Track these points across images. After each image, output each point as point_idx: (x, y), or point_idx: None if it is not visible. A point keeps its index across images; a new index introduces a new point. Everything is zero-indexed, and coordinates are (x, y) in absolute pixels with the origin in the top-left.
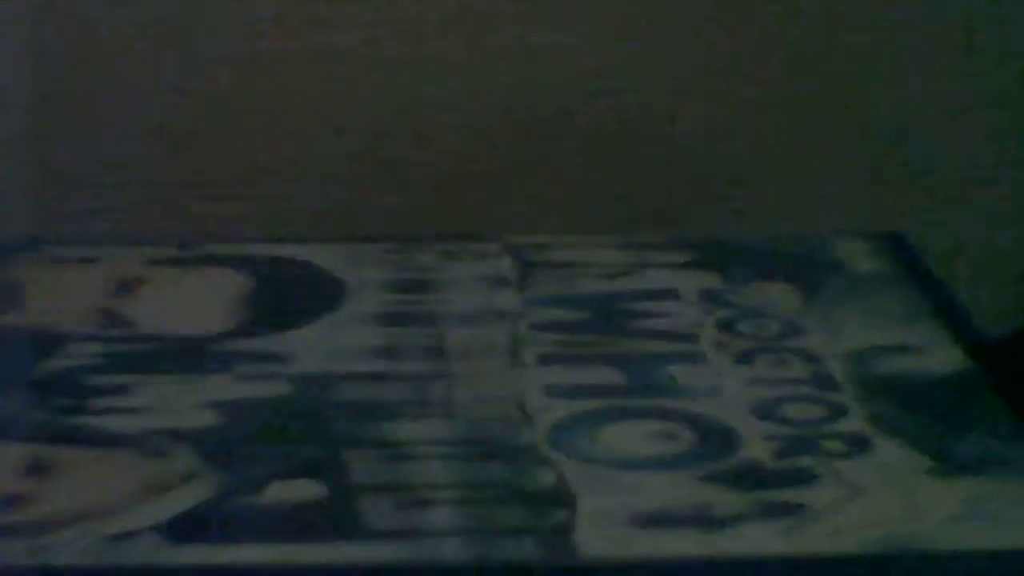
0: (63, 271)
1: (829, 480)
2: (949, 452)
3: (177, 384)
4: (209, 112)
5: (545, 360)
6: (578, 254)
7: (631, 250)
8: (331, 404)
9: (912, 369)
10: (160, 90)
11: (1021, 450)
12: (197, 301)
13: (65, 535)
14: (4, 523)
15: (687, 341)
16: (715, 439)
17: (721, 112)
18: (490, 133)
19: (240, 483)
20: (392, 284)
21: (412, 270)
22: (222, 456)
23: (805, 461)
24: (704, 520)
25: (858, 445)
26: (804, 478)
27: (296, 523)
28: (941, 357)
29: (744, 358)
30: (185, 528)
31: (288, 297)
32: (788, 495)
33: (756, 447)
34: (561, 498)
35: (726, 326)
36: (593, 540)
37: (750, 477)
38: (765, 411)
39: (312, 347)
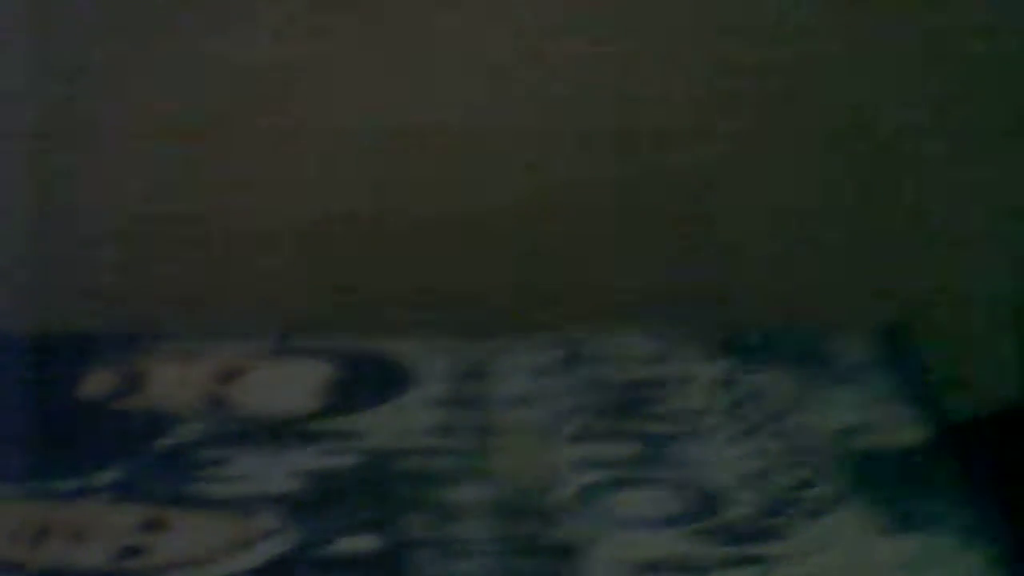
0: (176, 362)
1: (796, 536)
2: (901, 513)
3: (268, 457)
4: None
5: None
6: (613, 344)
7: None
8: (392, 474)
9: (880, 445)
10: None
11: (963, 511)
12: (288, 387)
13: None
14: (122, 569)
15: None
16: (707, 502)
17: None
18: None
19: (313, 537)
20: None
21: (470, 361)
22: (300, 515)
23: (778, 520)
24: (691, 568)
25: (825, 506)
26: (775, 534)
27: (359, 571)
28: (909, 435)
29: (743, 435)
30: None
31: (364, 384)
32: (760, 548)
33: (740, 509)
34: (578, 549)
35: (732, 407)
36: None
37: (731, 533)
38: (752, 479)
39: (381, 426)
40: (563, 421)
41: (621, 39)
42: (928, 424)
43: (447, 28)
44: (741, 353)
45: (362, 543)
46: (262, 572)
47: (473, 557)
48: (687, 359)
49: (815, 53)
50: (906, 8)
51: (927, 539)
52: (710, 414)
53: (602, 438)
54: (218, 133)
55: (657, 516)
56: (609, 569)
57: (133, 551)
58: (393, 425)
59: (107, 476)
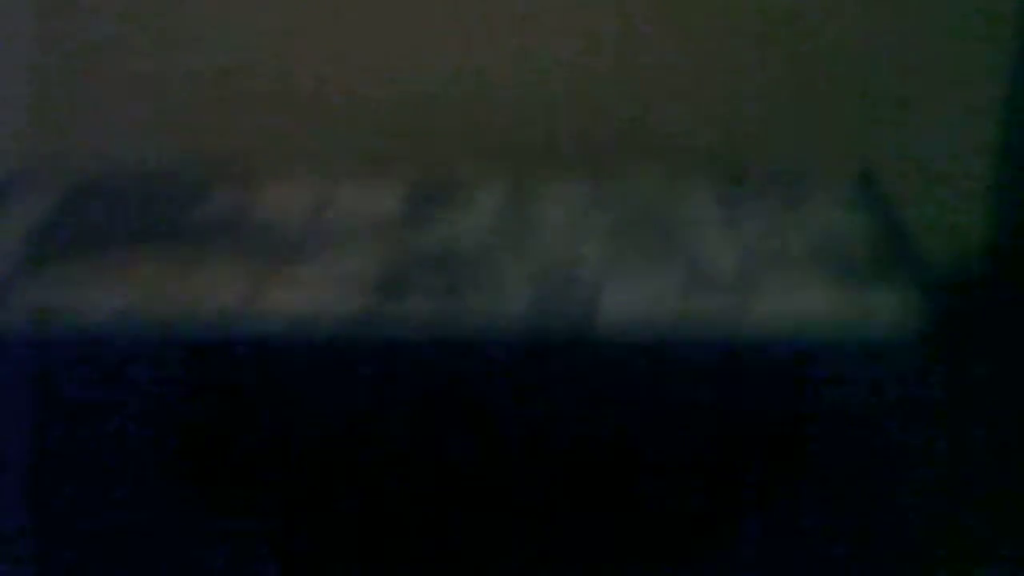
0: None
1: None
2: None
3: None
4: None
5: None
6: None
7: None
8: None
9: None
10: None
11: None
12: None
13: None
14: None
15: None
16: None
17: None
18: None
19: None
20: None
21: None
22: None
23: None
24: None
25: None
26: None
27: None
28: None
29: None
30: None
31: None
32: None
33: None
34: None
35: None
36: None
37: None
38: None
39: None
40: (594, 222)
41: None
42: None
43: None
44: (743, 185)
45: (428, 291)
46: (348, 314)
47: (511, 303)
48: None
49: None
50: None
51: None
52: (709, 220)
53: (622, 235)
54: None
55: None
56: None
57: (252, 296)
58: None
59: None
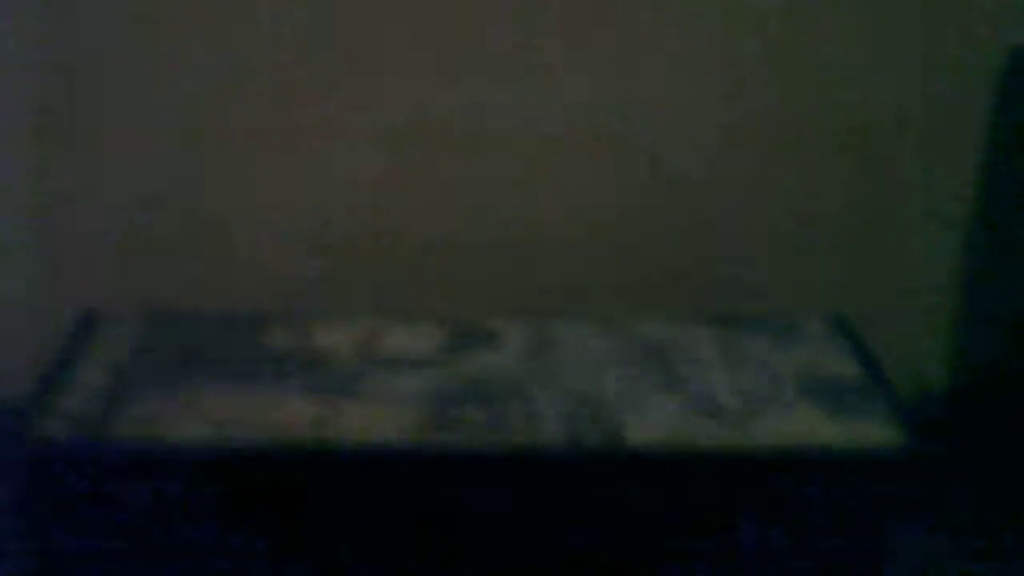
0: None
1: (764, 416)
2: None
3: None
4: None
5: None
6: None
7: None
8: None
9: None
10: None
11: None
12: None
13: None
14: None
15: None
16: (708, 399)
17: None
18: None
19: (443, 410)
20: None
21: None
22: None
23: (753, 408)
24: (694, 429)
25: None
26: (750, 415)
27: (474, 430)
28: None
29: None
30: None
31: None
32: (739, 421)
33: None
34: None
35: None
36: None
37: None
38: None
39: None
40: (609, 358)
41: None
42: (861, 362)
43: None
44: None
45: (475, 414)
46: (408, 431)
47: (548, 424)
48: (693, 326)
49: None
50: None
51: (850, 417)
52: (710, 358)
53: (636, 366)
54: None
55: (672, 406)
56: (640, 432)
57: (322, 420)
58: (490, 360)
59: (299, 384)
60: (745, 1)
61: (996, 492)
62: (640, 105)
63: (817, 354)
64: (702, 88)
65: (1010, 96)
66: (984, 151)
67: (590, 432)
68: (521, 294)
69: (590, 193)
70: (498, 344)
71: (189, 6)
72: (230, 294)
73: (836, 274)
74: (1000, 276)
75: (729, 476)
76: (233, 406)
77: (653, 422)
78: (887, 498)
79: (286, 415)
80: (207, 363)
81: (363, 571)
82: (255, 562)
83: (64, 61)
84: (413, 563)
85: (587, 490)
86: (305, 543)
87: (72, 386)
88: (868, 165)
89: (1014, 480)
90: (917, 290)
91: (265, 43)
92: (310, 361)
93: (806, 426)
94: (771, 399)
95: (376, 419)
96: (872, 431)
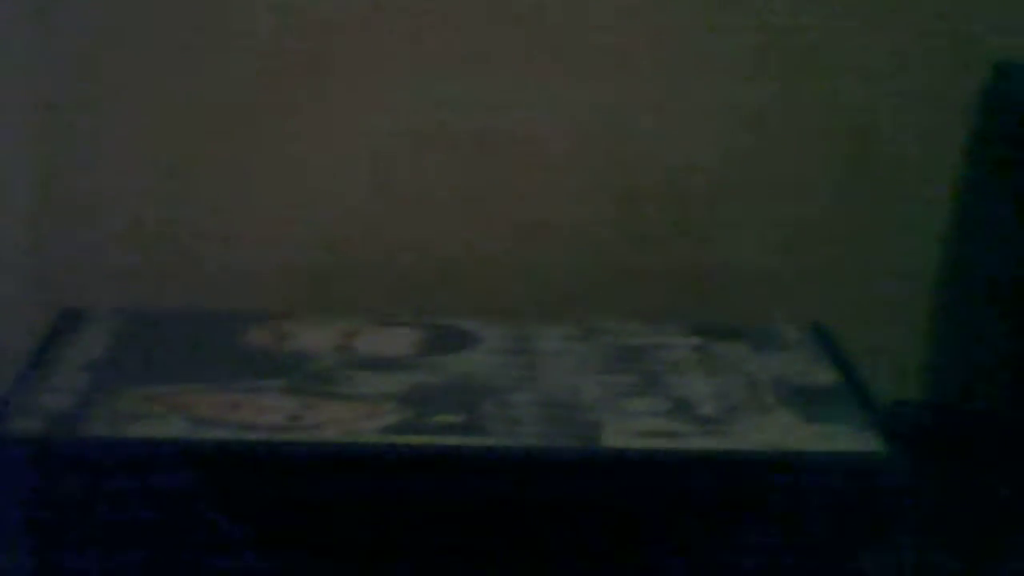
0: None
1: (742, 422)
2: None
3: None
4: None
5: None
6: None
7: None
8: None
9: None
10: None
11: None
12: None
13: None
14: (292, 426)
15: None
16: (685, 404)
17: None
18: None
19: (417, 415)
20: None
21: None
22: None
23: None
24: (673, 434)
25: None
26: (728, 421)
27: (452, 431)
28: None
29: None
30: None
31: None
32: (717, 427)
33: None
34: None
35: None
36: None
37: (699, 419)
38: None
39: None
40: (587, 362)
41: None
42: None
43: None
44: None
45: (452, 415)
46: (384, 430)
47: (524, 426)
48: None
49: None
50: None
51: (827, 424)
52: (689, 363)
53: (614, 373)
54: None
55: (649, 410)
56: (617, 434)
57: (297, 417)
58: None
59: (275, 383)
60: (745, 3)
61: (971, 500)
62: (639, 106)
63: (795, 361)
64: (702, 88)
65: (993, 110)
66: (966, 164)
67: (567, 435)
68: (513, 298)
69: (583, 196)
70: (476, 346)
71: (189, 6)
72: (215, 296)
73: (817, 280)
74: (979, 285)
75: (705, 480)
76: (211, 405)
77: (630, 425)
78: (863, 505)
79: (263, 413)
80: (185, 362)
81: (339, 570)
82: (232, 560)
83: (63, 60)
84: (389, 563)
85: (563, 493)
86: (281, 541)
87: (49, 384)
88: (852, 173)
89: (990, 488)
90: (895, 298)
91: (263, 43)
92: (288, 360)
93: (783, 432)
94: (749, 405)
95: (353, 419)
96: (849, 438)
